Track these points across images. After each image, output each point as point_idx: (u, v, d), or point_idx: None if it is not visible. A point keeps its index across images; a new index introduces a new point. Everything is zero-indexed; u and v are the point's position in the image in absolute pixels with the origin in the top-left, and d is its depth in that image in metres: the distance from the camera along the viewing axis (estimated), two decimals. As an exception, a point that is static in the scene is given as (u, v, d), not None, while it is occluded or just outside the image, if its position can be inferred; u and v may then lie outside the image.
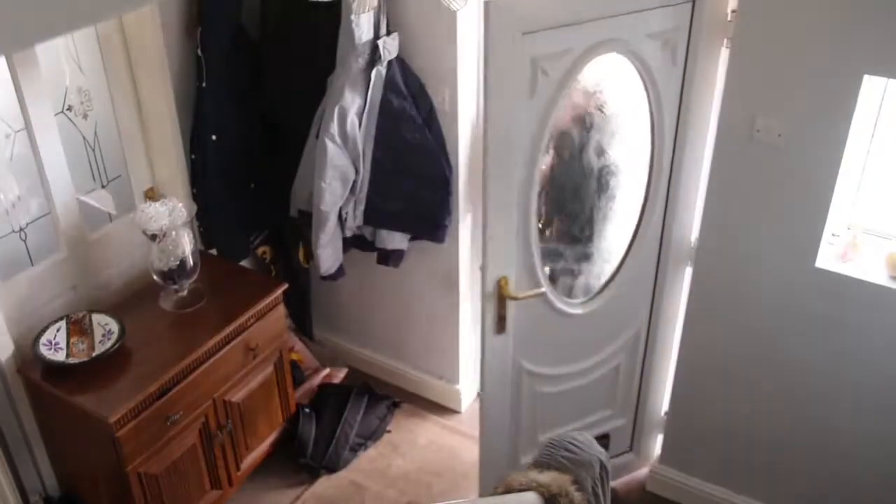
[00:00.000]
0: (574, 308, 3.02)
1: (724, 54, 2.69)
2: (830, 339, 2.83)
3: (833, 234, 2.77)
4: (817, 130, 2.55)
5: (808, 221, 2.70)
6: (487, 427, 3.04)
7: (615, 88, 2.79)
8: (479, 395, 3.85)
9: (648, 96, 2.76)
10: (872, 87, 2.53)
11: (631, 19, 2.55)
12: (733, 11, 2.60)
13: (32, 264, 3.12)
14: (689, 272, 3.10)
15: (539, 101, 2.55)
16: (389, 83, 3.12)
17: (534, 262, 2.82)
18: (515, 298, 2.78)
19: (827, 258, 2.74)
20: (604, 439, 3.38)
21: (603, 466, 2.30)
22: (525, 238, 2.75)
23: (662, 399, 3.42)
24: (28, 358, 2.99)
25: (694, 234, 3.03)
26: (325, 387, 3.88)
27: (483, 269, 2.71)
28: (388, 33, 3.06)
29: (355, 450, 3.68)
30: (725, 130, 2.72)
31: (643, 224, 3.00)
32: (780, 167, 2.66)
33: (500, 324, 2.81)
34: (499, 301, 2.77)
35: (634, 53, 2.63)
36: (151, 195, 3.34)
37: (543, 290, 2.87)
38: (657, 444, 3.51)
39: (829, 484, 3.07)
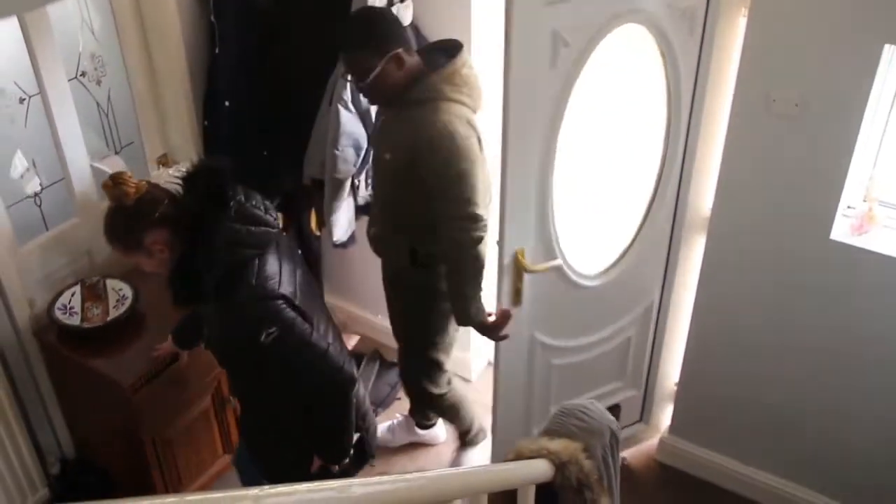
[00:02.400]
0: (588, 280, 3.01)
1: (742, 24, 2.66)
2: (844, 313, 2.82)
3: (848, 206, 2.75)
4: (835, 101, 2.53)
5: (823, 193, 2.68)
6: (500, 398, 3.03)
7: (630, 59, 2.74)
8: (490, 363, 3.87)
9: (666, 67, 2.72)
10: (893, 57, 2.50)
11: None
12: (752, -20, 2.57)
13: (47, 229, 3.14)
14: (702, 243, 3.08)
15: (559, 72, 2.51)
16: (403, 50, 3.10)
17: (550, 235, 2.79)
18: (531, 271, 2.75)
19: (842, 230, 2.72)
20: (614, 409, 3.40)
21: (613, 435, 2.30)
22: (542, 209, 2.72)
23: (673, 370, 3.42)
24: (44, 322, 3.02)
25: (708, 204, 3.02)
26: (336, 354, 3.89)
27: (500, 242, 2.68)
28: (402, 0, 3.04)
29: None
30: (741, 101, 2.69)
31: (658, 195, 2.98)
32: (796, 138, 2.64)
33: (516, 297, 2.79)
34: (515, 274, 2.75)
35: (654, 23, 2.59)
36: (164, 162, 3.34)
37: (559, 262, 2.84)
38: (667, 415, 3.52)
39: (838, 456, 3.08)
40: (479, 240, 2.63)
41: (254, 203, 2.27)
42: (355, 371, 2.42)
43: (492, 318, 2.74)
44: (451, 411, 3.33)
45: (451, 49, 2.66)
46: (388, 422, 3.59)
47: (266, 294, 2.22)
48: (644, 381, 3.46)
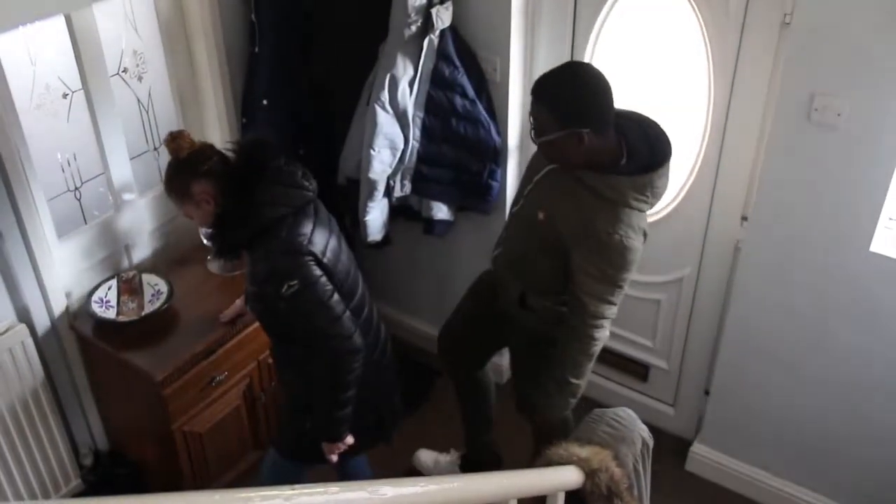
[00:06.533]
0: None
1: (784, 28, 2.63)
2: (881, 327, 2.78)
3: (890, 218, 2.71)
4: (879, 112, 2.49)
5: (864, 204, 2.64)
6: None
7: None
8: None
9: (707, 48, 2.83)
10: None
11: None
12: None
13: (86, 223, 3.18)
14: (736, 248, 3.07)
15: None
16: (441, 52, 3.11)
17: None
18: None
19: (883, 242, 2.68)
20: (642, 368, 3.56)
21: (645, 444, 2.29)
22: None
23: (705, 371, 3.41)
24: (80, 315, 3.06)
25: (742, 210, 3.02)
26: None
27: None
28: (442, 2, 3.04)
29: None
30: (782, 108, 2.66)
31: (695, 178, 3.05)
32: (838, 148, 2.60)
33: None
34: None
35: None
36: (202, 158, 3.37)
37: None
38: (698, 423, 3.50)
39: (872, 472, 3.03)
40: (600, 340, 2.53)
41: (293, 169, 2.44)
42: (363, 345, 2.46)
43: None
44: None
45: (659, 151, 2.41)
46: (440, 454, 3.51)
47: (293, 248, 2.34)
48: (678, 364, 3.48)
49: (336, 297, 2.40)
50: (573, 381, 2.61)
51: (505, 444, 3.48)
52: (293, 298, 2.32)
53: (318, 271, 2.36)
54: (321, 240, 2.41)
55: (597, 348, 2.56)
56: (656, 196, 2.44)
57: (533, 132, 2.39)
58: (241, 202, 2.34)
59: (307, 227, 2.38)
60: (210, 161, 2.39)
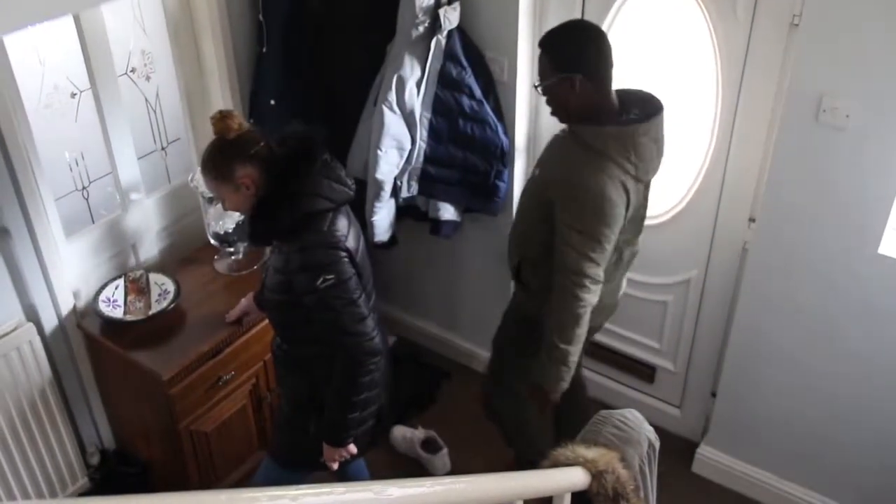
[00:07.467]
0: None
1: (792, 29, 2.63)
2: (889, 329, 2.77)
3: (898, 220, 2.71)
4: (888, 114, 2.48)
5: (872, 206, 2.63)
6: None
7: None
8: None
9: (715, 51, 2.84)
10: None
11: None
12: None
13: (93, 222, 3.19)
14: (744, 249, 3.06)
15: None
16: (449, 53, 3.11)
17: None
18: None
19: (891, 244, 2.67)
20: (648, 370, 3.56)
21: (651, 445, 2.28)
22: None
23: (712, 373, 3.40)
24: (88, 314, 3.07)
25: (749, 211, 3.01)
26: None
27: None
28: (450, 2, 3.04)
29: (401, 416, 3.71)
30: (791, 108, 2.66)
31: (703, 179, 3.06)
32: (846, 149, 2.59)
33: None
34: None
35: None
36: (210, 158, 3.37)
37: None
38: (704, 425, 3.49)
39: (879, 475, 3.02)
40: (584, 301, 2.54)
41: (337, 165, 2.45)
42: (382, 348, 2.47)
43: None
44: (515, 433, 3.22)
45: (650, 109, 2.53)
46: (410, 429, 3.56)
47: (333, 243, 2.35)
48: (685, 366, 3.47)
49: (363, 297, 2.41)
50: (560, 345, 2.60)
51: (502, 444, 3.48)
52: (325, 293, 2.32)
53: (351, 269, 2.37)
54: (354, 239, 2.42)
55: (581, 311, 2.56)
56: (641, 158, 2.48)
57: (537, 80, 2.54)
58: (283, 191, 2.33)
59: (344, 225, 2.40)
60: (257, 146, 2.36)
